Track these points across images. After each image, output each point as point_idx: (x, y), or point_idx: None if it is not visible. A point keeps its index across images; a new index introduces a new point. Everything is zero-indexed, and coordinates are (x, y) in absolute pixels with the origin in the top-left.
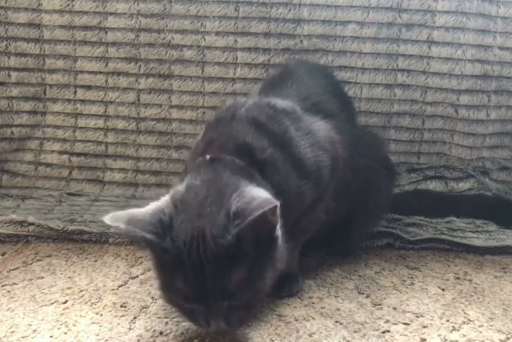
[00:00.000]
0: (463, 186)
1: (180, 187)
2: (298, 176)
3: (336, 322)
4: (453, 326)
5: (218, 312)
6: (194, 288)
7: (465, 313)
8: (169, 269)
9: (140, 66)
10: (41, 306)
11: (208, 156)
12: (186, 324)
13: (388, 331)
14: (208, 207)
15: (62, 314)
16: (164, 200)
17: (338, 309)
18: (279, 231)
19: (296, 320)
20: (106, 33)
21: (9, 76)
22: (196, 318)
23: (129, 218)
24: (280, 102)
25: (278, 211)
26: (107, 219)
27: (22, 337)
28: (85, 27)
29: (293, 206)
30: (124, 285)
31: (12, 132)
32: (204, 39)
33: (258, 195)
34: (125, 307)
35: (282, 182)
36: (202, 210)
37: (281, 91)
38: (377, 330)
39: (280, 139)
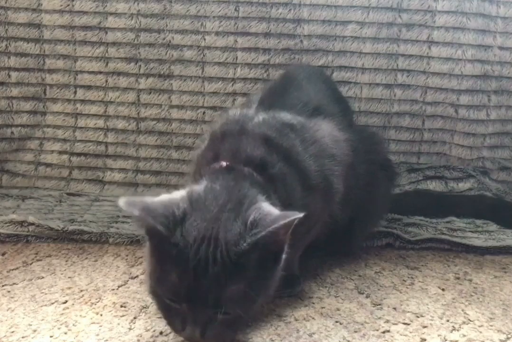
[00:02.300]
0: (463, 186)
1: (197, 187)
2: (303, 190)
3: (336, 322)
4: (453, 326)
5: (199, 319)
6: (189, 287)
7: (465, 313)
8: (168, 262)
9: (140, 66)
10: (41, 306)
11: (224, 163)
12: None
13: (388, 331)
14: (226, 212)
15: (62, 314)
16: (179, 194)
17: (338, 309)
18: (283, 255)
19: (296, 320)
20: (106, 33)
21: (9, 76)
22: (173, 319)
23: (144, 206)
24: (287, 116)
25: (291, 228)
26: (122, 202)
27: (22, 337)
28: (85, 27)
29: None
30: (124, 285)
31: (12, 132)
32: (204, 39)
33: (275, 211)
34: (125, 307)
35: (289, 196)
36: (219, 214)
37: (284, 99)
38: (377, 330)
39: (287, 153)
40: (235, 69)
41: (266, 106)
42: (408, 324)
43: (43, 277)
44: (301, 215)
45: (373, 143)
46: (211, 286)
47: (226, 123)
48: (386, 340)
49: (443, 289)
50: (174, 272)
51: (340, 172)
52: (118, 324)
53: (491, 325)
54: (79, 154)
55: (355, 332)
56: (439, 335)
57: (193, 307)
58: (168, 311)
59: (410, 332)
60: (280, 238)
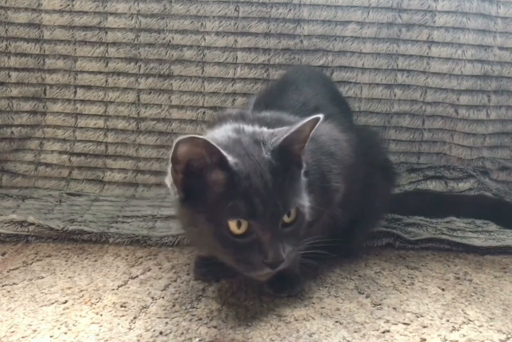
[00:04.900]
0: (463, 186)
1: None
2: None
3: (336, 322)
4: (453, 326)
5: (277, 235)
6: (261, 200)
7: (465, 313)
8: (224, 193)
9: (140, 66)
10: (41, 306)
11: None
12: (186, 324)
13: (388, 331)
14: (250, 146)
15: (62, 314)
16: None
17: (338, 309)
18: (303, 162)
19: (296, 320)
20: (106, 33)
21: (9, 76)
22: (250, 253)
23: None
24: (282, 116)
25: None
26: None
27: (22, 337)
28: (85, 27)
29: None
30: (124, 285)
31: (12, 132)
32: (204, 39)
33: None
34: (125, 307)
35: None
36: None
37: (282, 100)
38: (377, 330)
39: None
40: (235, 69)
41: (263, 107)
42: (408, 324)
43: (43, 277)
44: (321, 115)
45: (373, 144)
46: (277, 194)
47: (213, 123)
48: (386, 340)
49: (443, 289)
50: (237, 198)
51: (339, 171)
52: (118, 324)
53: (491, 325)
54: (79, 154)
55: (355, 332)
56: (439, 335)
57: (268, 223)
58: (240, 250)
59: (410, 332)
60: (304, 137)
